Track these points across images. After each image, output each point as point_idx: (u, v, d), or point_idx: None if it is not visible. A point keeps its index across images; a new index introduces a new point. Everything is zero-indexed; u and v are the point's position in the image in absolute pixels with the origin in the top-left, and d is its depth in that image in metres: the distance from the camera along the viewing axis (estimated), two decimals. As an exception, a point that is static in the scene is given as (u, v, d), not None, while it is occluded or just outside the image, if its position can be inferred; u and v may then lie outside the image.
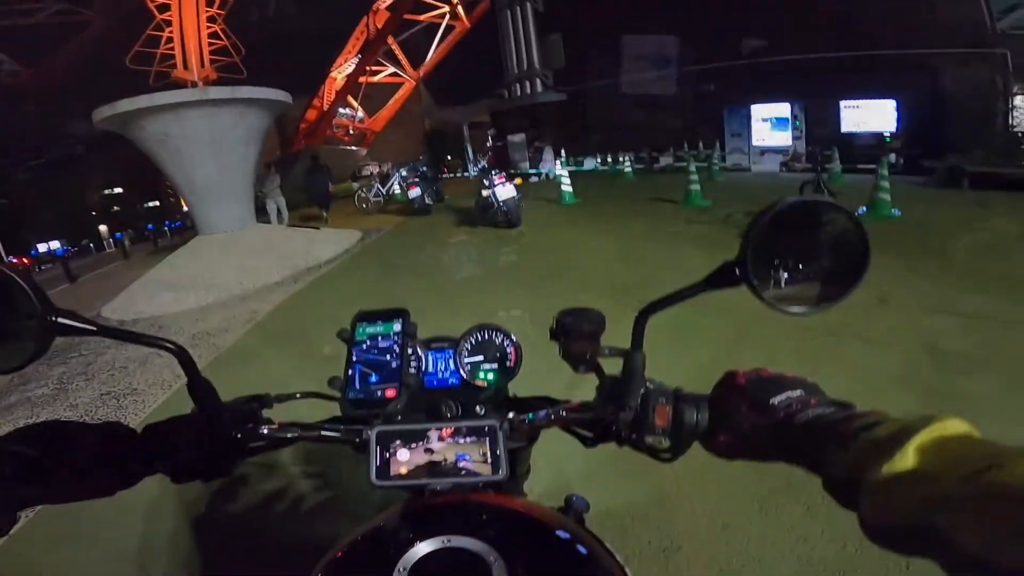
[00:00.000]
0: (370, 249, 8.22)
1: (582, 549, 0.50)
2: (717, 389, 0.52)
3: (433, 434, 0.56)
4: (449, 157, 24.95)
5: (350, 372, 0.62)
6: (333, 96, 25.62)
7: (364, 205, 12.29)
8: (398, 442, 0.56)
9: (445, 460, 0.55)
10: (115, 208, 33.60)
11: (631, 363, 0.55)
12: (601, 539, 0.56)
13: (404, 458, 0.55)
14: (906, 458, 0.32)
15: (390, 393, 0.59)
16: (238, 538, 2.02)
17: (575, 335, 0.63)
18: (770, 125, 12.62)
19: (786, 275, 0.45)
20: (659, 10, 16.88)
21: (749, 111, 12.89)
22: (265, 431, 0.60)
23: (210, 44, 14.37)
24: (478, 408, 0.61)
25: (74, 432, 0.52)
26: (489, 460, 0.55)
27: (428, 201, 10.32)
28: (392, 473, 0.55)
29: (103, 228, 24.57)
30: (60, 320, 0.47)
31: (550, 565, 0.48)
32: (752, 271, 0.43)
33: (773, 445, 0.45)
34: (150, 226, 24.12)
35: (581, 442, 0.63)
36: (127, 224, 27.75)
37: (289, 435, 0.60)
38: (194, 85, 11.96)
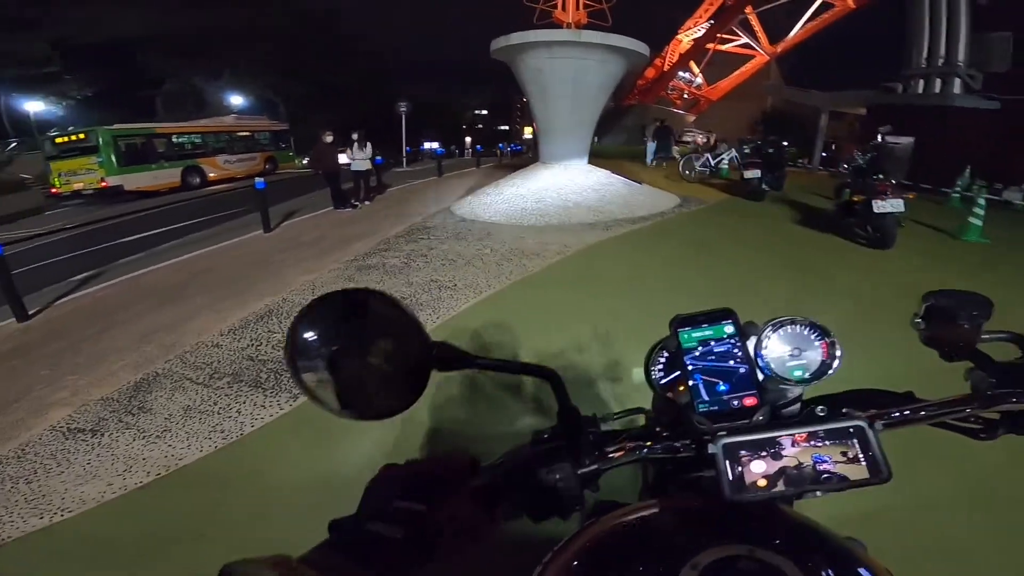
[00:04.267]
0: (685, 218, 7.63)
1: None
2: None
3: (786, 440, 0.51)
4: (785, 143, 21.70)
5: (691, 382, 0.58)
6: (676, 58, 25.05)
7: (688, 172, 11.55)
8: (748, 452, 0.51)
9: (800, 465, 0.50)
10: (479, 126, 41.56)
11: None
12: None
13: (759, 469, 0.50)
14: None
15: (749, 402, 0.56)
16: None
17: (952, 320, 0.59)
18: None
19: None
20: None
21: None
22: (615, 452, 0.56)
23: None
24: (819, 409, 0.54)
25: (439, 475, 0.50)
26: (863, 462, 0.49)
27: (764, 187, 8.91)
28: (747, 483, 0.49)
29: (468, 139, 30.88)
30: (437, 355, 0.47)
31: None
32: None
33: None
34: (500, 145, 28.95)
35: (970, 436, 0.58)
36: (484, 140, 34.20)
37: (637, 456, 0.56)
38: (568, 27, 12.90)
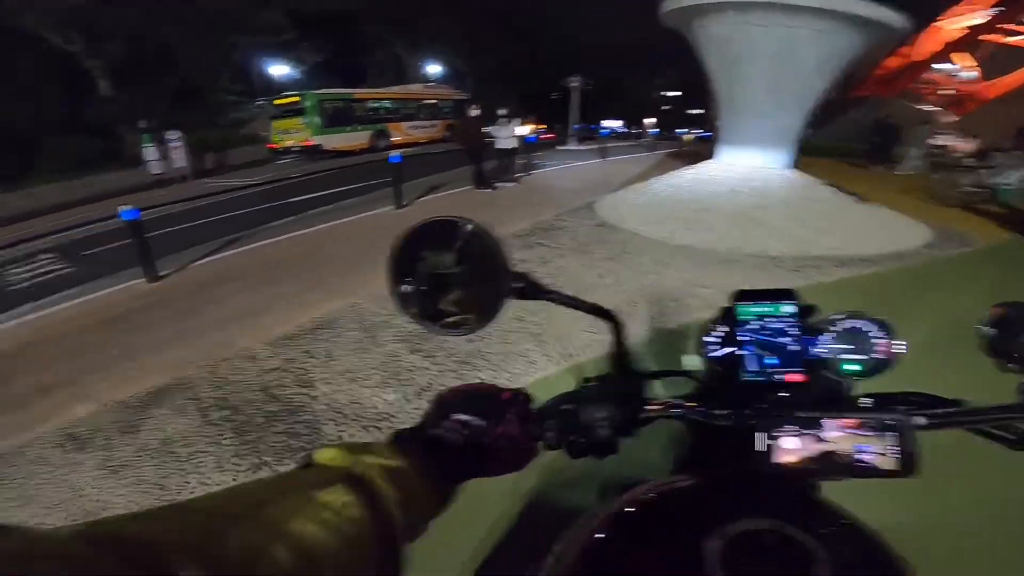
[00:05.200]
0: (940, 268, 4.83)
1: None
2: None
3: (830, 423, 0.52)
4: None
5: (741, 352, 0.60)
6: (934, 47, 19.70)
7: (948, 190, 8.07)
8: (785, 428, 0.52)
9: (834, 449, 0.52)
10: (665, 107, 37.84)
11: None
12: None
13: (793, 446, 0.52)
14: None
15: (795, 378, 0.58)
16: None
17: (1019, 333, 0.57)
18: None
19: None
20: None
21: None
22: (655, 407, 0.57)
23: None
24: (863, 400, 0.56)
25: (499, 399, 0.54)
26: (896, 456, 0.51)
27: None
28: (780, 459, 0.52)
29: (648, 120, 28.07)
30: (515, 285, 0.53)
31: None
32: None
33: None
34: (678, 130, 25.67)
35: (1008, 446, 0.56)
36: (668, 124, 31.00)
37: (674, 412, 0.57)
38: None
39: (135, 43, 17.84)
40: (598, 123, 34.33)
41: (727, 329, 0.61)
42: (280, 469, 2.17)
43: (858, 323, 0.60)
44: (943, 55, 20.51)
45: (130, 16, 17.12)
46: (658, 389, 0.61)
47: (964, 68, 21.83)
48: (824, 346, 0.59)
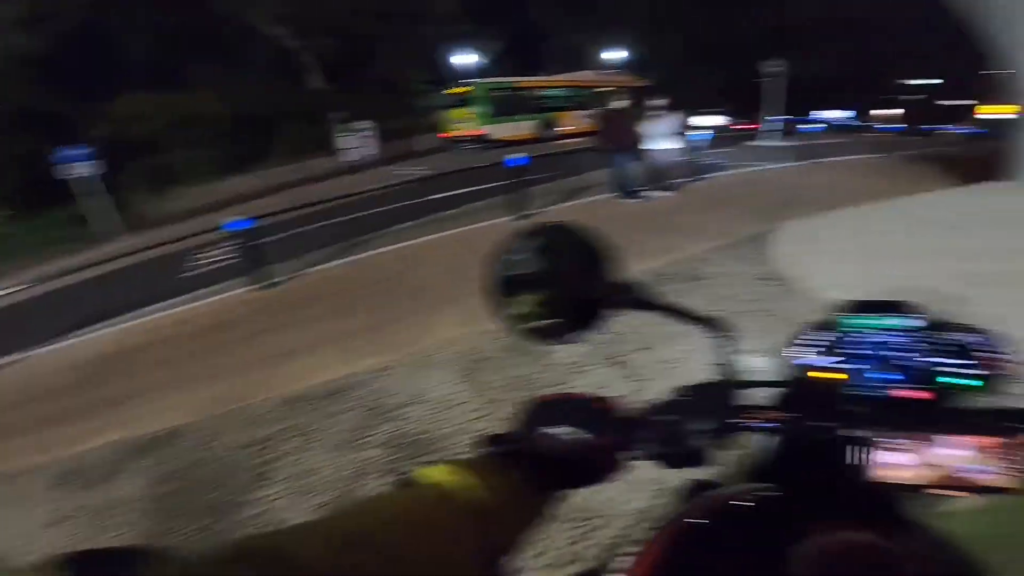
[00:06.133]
0: None
1: None
2: None
3: (938, 439, 0.48)
4: None
5: (853, 366, 0.56)
6: None
7: None
8: (892, 443, 0.49)
9: (945, 467, 0.48)
10: (919, 96, 29.50)
11: None
12: None
13: (892, 460, 0.48)
14: None
15: (902, 393, 0.54)
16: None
17: None
18: None
19: None
20: None
21: None
22: (753, 417, 0.53)
23: None
24: (979, 414, 0.51)
25: (593, 409, 0.53)
26: (1008, 473, 0.46)
27: None
28: (875, 474, 0.49)
29: (887, 112, 21.68)
30: (621, 296, 0.53)
31: None
32: None
33: None
34: (923, 126, 19.10)
35: None
36: (917, 118, 23.80)
37: (772, 423, 0.53)
38: None
39: (339, 37, 20.06)
40: (807, 114, 28.20)
41: (832, 338, 0.58)
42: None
43: (979, 338, 0.57)
44: None
45: (334, 10, 19.22)
46: (755, 399, 0.56)
47: None
48: (938, 360, 0.56)
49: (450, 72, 23.38)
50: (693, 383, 0.56)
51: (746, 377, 0.59)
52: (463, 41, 23.62)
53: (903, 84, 33.34)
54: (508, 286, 0.52)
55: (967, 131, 19.18)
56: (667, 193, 7.18)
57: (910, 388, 0.54)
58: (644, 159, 7.00)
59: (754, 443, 0.61)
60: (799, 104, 22.11)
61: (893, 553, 0.43)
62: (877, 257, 3.93)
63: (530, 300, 0.51)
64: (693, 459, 0.52)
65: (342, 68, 20.77)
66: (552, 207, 7.12)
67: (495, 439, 0.50)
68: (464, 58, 25.01)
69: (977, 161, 7.78)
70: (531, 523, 0.45)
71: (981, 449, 0.47)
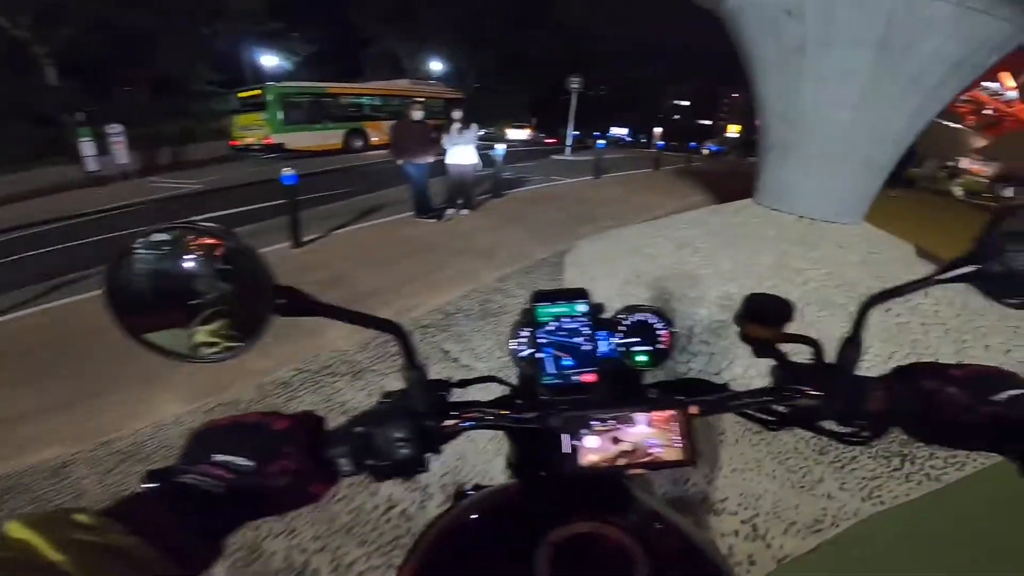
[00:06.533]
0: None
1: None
2: (925, 377, 0.50)
3: (624, 418, 0.52)
4: None
5: (538, 355, 0.59)
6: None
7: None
8: (585, 428, 0.51)
9: (630, 444, 0.51)
10: (676, 116, 35.51)
11: (848, 349, 0.52)
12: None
13: (594, 445, 0.51)
14: None
15: (589, 378, 0.58)
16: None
17: (760, 320, 0.63)
18: None
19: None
20: None
21: None
22: (458, 419, 0.53)
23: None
24: (650, 392, 0.59)
25: (274, 430, 0.46)
26: (680, 445, 0.51)
27: None
28: (584, 458, 0.51)
29: (657, 130, 25.52)
30: (279, 301, 0.44)
31: None
32: (985, 267, 0.46)
33: (983, 435, 0.46)
34: (692, 143, 23.21)
35: (763, 426, 0.60)
36: (676, 135, 28.56)
37: (484, 421, 0.54)
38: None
39: (98, 30, 15.82)
40: (606, 130, 31.92)
41: (530, 331, 0.60)
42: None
43: (642, 316, 0.62)
44: (991, 75, 18.56)
45: (92, 1, 15.08)
46: (470, 398, 0.56)
47: (1007, 88, 20.08)
48: (613, 342, 0.61)
49: (254, 75, 20.29)
50: (391, 391, 0.53)
51: (449, 378, 0.58)
52: (268, 42, 20.77)
53: (670, 104, 40.26)
54: (135, 302, 0.42)
55: (716, 148, 23.59)
56: (465, 211, 6.75)
57: (592, 372, 0.57)
58: (442, 173, 6.47)
59: (508, 441, 0.60)
60: (596, 120, 24.74)
61: (619, 539, 0.45)
62: (655, 280, 3.93)
63: (166, 316, 0.42)
64: (400, 469, 0.49)
65: (97, 64, 16.36)
66: (340, 230, 6.10)
67: (152, 475, 0.41)
68: (268, 59, 22.03)
69: (737, 177, 9.17)
70: (193, 572, 0.38)
71: (655, 424, 0.50)
